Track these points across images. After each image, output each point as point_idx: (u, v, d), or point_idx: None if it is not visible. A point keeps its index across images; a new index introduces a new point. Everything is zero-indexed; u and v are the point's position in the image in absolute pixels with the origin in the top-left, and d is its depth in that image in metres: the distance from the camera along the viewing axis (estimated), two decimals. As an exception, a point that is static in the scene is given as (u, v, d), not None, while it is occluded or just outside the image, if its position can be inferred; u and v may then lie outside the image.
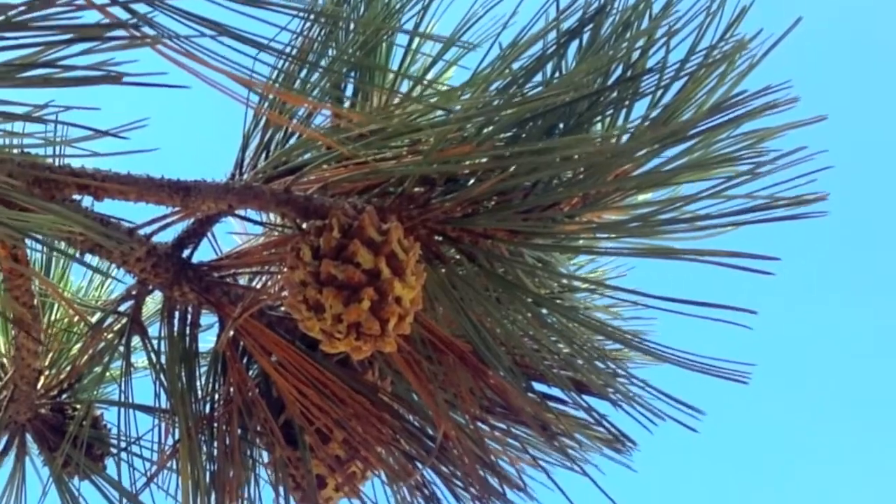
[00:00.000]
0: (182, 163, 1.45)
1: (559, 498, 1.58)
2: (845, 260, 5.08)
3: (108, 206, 1.45)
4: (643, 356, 1.53)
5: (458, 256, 1.45)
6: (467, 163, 1.37)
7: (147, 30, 1.03)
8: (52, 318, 1.83)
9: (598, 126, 1.47)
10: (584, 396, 1.53)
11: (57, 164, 1.38)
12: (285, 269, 1.38)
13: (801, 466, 5.12)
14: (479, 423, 1.56)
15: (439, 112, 1.39)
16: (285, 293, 1.43)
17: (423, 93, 1.51)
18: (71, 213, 1.30)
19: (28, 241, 1.52)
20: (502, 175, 1.35)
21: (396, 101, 1.56)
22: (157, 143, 1.28)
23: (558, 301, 1.52)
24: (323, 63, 1.47)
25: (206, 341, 1.64)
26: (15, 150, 1.33)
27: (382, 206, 1.41)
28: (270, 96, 1.49)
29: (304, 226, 1.39)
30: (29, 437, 1.79)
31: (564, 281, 1.57)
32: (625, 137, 1.43)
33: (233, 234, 1.66)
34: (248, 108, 1.50)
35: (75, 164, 1.39)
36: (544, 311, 1.48)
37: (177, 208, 1.46)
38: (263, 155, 1.55)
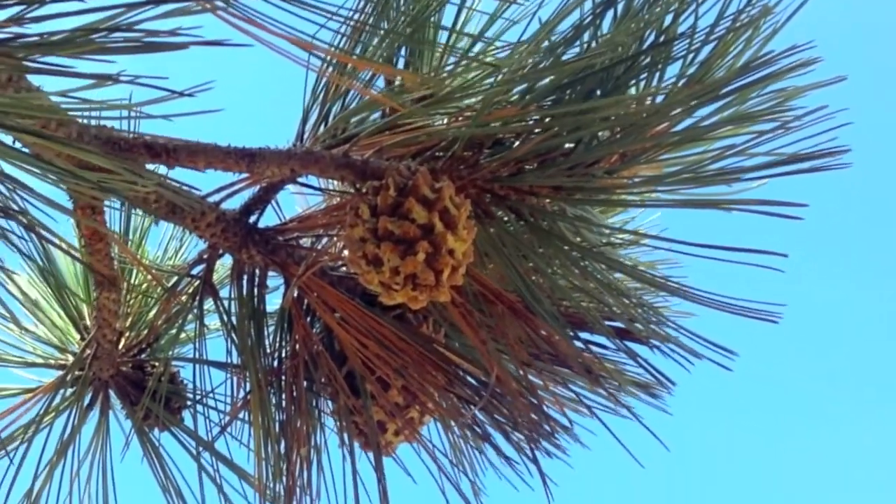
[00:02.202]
0: (244, 132, 1.43)
1: (600, 440, 1.56)
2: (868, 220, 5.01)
3: (180, 175, 1.44)
4: (680, 302, 1.50)
5: (506, 217, 1.43)
6: (514, 124, 1.34)
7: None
8: (132, 283, 1.83)
9: (633, 90, 1.44)
10: (626, 342, 1.51)
11: (130, 134, 1.37)
12: (345, 230, 1.36)
13: (827, 416, 5.07)
14: (528, 369, 1.54)
15: (486, 81, 1.37)
16: (346, 252, 1.41)
17: (472, 61, 1.47)
18: (147, 171, 1.28)
19: (106, 211, 1.51)
20: (547, 134, 1.32)
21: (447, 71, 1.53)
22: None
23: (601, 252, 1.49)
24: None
25: (272, 304, 1.63)
26: (92, 122, 1.32)
27: (434, 168, 1.39)
28: (333, 61, 1.46)
29: (363, 188, 1.37)
30: (112, 392, 1.79)
31: (604, 237, 1.54)
32: (659, 98, 1.40)
33: (294, 195, 1.63)
34: (310, 70, 1.46)
35: (146, 129, 1.38)
36: (586, 263, 1.45)
37: (243, 175, 1.44)
38: (322, 125, 1.53)
